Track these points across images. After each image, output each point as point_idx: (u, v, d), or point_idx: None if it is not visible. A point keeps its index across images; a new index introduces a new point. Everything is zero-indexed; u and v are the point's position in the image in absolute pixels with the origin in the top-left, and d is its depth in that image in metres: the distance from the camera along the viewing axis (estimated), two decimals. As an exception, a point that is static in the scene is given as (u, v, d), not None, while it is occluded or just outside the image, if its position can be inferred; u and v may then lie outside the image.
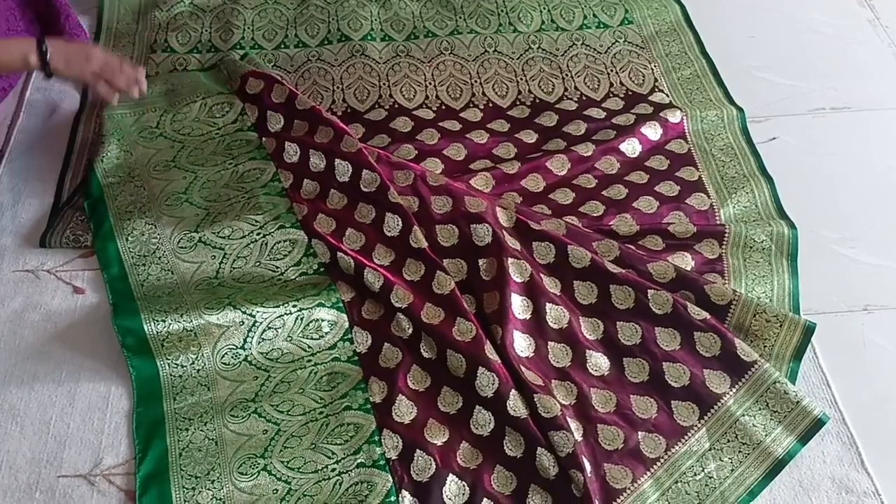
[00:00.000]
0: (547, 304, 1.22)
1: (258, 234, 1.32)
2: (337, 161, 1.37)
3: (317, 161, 1.39)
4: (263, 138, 1.45)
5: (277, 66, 1.61)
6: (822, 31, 1.76)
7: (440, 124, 1.52)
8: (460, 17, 1.71)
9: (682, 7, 1.78)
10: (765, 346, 1.20)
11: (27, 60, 1.19)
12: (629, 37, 1.71)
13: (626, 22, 1.74)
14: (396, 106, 1.55)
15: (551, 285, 1.25)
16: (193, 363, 1.17)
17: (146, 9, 1.71)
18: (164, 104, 1.50)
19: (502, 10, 1.73)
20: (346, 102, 1.56)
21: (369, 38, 1.66)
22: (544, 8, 1.74)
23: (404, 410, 1.14)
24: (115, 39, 1.67)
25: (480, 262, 1.26)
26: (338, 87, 1.58)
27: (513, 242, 1.28)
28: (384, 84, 1.59)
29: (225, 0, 1.71)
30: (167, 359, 1.17)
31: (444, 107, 1.57)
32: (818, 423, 1.12)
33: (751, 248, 1.31)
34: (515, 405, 1.11)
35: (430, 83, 1.60)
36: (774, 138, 1.53)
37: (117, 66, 1.26)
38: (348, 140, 1.39)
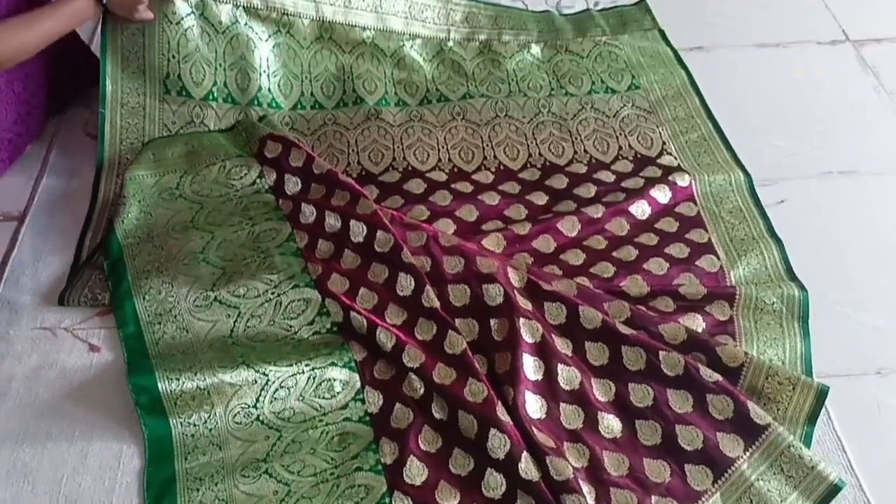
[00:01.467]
0: (559, 364, 1.22)
1: (273, 293, 1.33)
2: (352, 222, 1.39)
3: (332, 222, 1.41)
4: (280, 200, 1.48)
5: (294, 128, 1.64)
6: (827, 95, 1.79)
7: (453, 186, 1.54)
8: (472, 83, 1.76)
9: (688, 72, 1.81)
10: (778, 410, 1.19)
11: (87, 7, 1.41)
12: (637, 101, 1.74)
13: (634, 87, 1.78)
14: (410, 168, 1.59)
15: (563, 346, 1.26)
16: (206, 422, 1.18)
17: (151, 27, 1.55)
18: (184, 166, 1.53)
19: (513, 79, 1.77)
20: (360, 164, 1.59)
21: (384, 102, 1.71)
22: (553, 76, 1.79)
23: (415, 472, 1.13)
24: (124, 64, 1.57)
25: (492, 322, 1.27)
26: (353, 150, 1.62)
27: (524, 303, 1.29)
28: (398, 147, 1.62)
29: (236, 18, 1.60)
30: (180, 417, 1.17)
31: (456, 169, 1.59)
32: (834, 489, 1.10)
33: (762, 310, 1.32)
34: (527, 467, 1.10)
35: (442, 146, 1.64)
36: (783, 201, 1.55)
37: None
38: (364, 202, 1.41)
